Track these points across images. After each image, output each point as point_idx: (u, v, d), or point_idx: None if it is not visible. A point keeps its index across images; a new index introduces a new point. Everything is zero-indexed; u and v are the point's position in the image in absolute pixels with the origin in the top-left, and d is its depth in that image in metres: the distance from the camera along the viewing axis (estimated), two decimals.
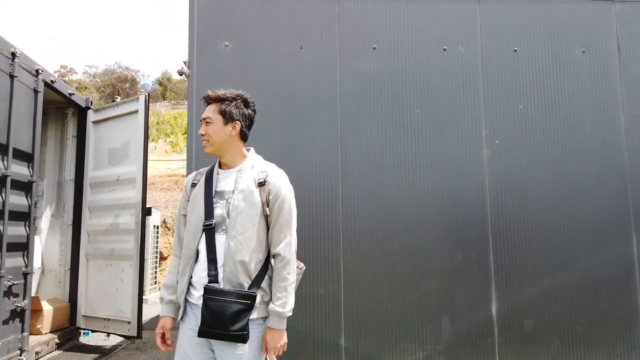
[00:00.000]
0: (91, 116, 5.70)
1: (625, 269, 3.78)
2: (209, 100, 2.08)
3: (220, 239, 1.91)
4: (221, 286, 1.84)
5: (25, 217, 4.39)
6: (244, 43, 3.76)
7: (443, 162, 3.77)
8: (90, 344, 5.48)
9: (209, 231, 1.90)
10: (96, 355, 4.95)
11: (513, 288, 3.70)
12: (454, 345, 3.62)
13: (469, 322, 3.67)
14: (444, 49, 3.88)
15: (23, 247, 4.35)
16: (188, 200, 2.08)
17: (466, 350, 3.62)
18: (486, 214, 3.76)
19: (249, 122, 2.09)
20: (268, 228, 1.98)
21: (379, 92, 3.80)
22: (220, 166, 2.09)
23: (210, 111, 2.05)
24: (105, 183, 5.46)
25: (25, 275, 4.34)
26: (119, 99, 5.61)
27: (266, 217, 1.96)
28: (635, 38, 4.01)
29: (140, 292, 4.95)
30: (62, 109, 5.86)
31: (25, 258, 4.38)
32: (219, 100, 2.04)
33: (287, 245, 1.95)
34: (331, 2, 3.85)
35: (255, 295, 1.86)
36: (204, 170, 2.14)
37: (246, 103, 2.08)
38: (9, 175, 4.05)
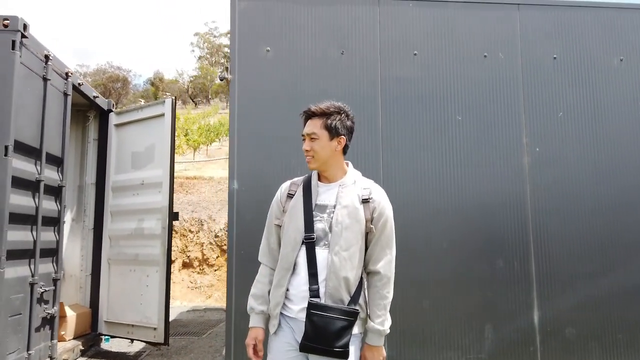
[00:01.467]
0: (113, 119, 5.63)
1: None
2: (311, 115, 2.01)
3: (321, 253, 1.88)
4: (323, 301, 1.82)
5: (54, 222, 4.32)
6: (285, 48, 3.73)
7: (484, 169, 3.76)
8: (112, 350, 5.41)
9: (310, 245, 1.87)
10: None
11: (555, 296, 3.69)
12: (496, 353, 3.60)
13: (511, 330, 3.65)
14: (485, 56, 3.87)
15: (53, 253, 4.28)
16: (283, 211, 2.04)
17: (508, 358, 3.61)
18: (527, 221, 3.75)
19: (351, 135, 2.05)
20: (366, 245, 1.95)
21: (420, 98, 3.78)
22: (319, 179, 2.04)
23: (315, 127, 1.98)
24: (128, 187, 5.39)
25: (55, 281, 4.27)
26: (142, 102, 5.54)
27: (366, 234, 1.94)
28: None
29: (168, 298, 4.89)
30: (82, 111, 5.78)
31: (55, 264, 4.31)
32: (324, 114, 1.98)
33: (388, 264, 1.95)
34: (372, 8, 3.83)
35: (358, 312, 1.85)
36: (299, 180, 2.10)
37: (348, 115, 2.03)
38: (43, 180, 3.99)
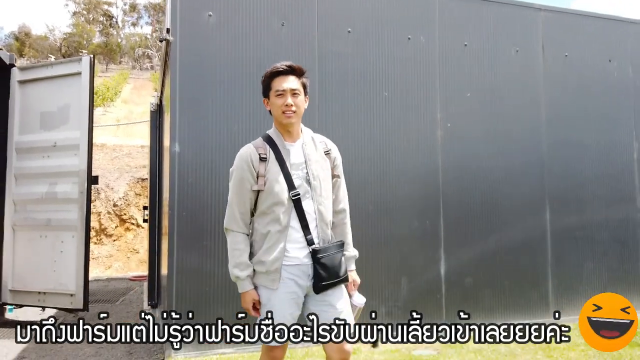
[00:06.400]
0: (17, 75, 5.18)
1: (540, 235, 4.59)
2: (291, 71, 2.10)
3: (307, 205, 2.09)
4: (320, 245, 2.07)
5: None
6: (228, 15, 3.79)
7: (405, 142, 4.21)
8: (20, 319, 5.12)
9: (297, 200, 2.06)
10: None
11: (457, 251, 4.30)
12: (409, 301, 4.12)
13: (423, 281, 4.20)
14: (409, 38, 4.28)
15: None
16: (258, 176, 2.08)
17: (419, 304, 4.13)
18: (438, 187, 4.29)
19: None
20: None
21: (353, 73, 4.10)
22: (284, 138, 2.15)
23: (296, 83, 2.09)
24: (37, 149, 5.05)
25: None
26: (52, 58, 5.18)
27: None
28: (555, 42, 4.78)
29: (87, 263, 4.75)
30: None
31: None
32: (301, 73, 2.12)
33: (346, 198, 2.29)
34: None
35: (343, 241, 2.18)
36: (259, 143, 2.14)
37: None
38: None
